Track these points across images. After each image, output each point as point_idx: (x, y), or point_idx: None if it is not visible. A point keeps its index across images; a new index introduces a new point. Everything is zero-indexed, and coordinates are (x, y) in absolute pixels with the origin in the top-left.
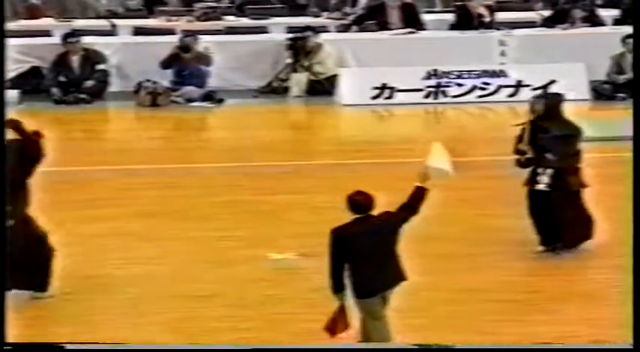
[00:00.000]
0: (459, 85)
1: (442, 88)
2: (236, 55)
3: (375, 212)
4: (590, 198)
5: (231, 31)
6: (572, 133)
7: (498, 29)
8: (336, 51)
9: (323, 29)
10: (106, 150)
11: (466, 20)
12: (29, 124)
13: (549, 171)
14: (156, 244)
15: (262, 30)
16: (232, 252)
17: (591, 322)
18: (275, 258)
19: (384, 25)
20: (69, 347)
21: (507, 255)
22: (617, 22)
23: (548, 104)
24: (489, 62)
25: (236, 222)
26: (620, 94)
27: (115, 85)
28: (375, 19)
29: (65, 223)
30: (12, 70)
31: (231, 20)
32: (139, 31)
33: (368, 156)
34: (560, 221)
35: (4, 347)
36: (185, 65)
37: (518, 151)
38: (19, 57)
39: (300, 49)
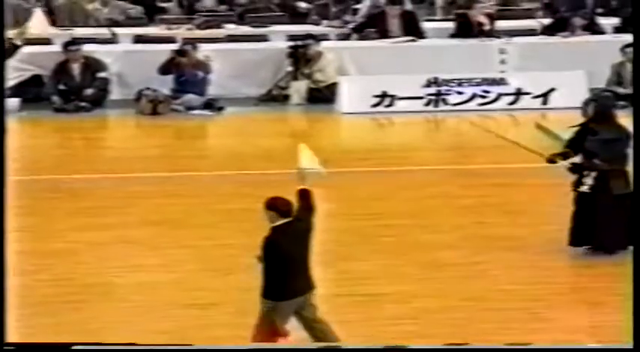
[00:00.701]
0: (460, 93)
1: (442, 96)
2: (236, 62)
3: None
4: None
5: (232, 39)
6: (620, 136)
7: (498, 37)
8: (336, 59)
9: (323, 37)
10: (106, 158)
11: (466, 28)
12: (30, 132)
13: (593, 173)
14: (157, 252)
15: (263, 38)
16: (233, 260)
17: (591, 330)
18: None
19: (384, 33)
20: (76, 347)
21: (505, 262)
22: (617, 30)
23: (599, 107)
24: (489, 70)
25: (236, 230)
26: (620, 102)
27: (115, 93)
28: (375, 27)
29: (66, 231)
30: (13, 78)
31: (231, 28)
32: (139, 40)
33: (368, 164)
34: (600, 224)
35: (5, 348)
36: (183, 71)
37: (563, 153)
38: (20, 65)
39: (301, 57)
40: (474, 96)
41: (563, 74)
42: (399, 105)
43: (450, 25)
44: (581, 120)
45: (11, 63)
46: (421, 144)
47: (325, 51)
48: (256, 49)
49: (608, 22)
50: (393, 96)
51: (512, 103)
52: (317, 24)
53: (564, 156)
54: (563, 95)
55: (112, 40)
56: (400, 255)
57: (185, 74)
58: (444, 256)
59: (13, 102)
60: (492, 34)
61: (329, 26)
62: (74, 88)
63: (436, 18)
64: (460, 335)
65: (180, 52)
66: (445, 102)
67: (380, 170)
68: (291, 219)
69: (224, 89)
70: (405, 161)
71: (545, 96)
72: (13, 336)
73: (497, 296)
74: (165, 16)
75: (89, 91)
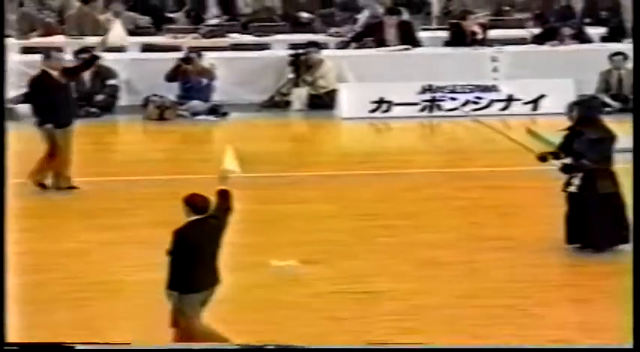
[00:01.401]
0: (453, 99)
1: (437, 102)
2: (240, 70)
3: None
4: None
5: (236, 47)
6: (605, 138)
7: (490, 46)
8: (336, 66)
9: (323, 46)
10: (115, 161)
11: (460, 37)
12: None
13: (580, 174)
14: (160, 253)
15: (265, 46)
16: (237, 259)
17: (582, 325)
18: (277, 264)
19: (381, 42)
20: (79, 347)
21: (499, 261)
22: (605, 39)
23: (584, 110)
24: (482, 77)
25: (240, 230)
26: (607, 108)
27: (124, 99)
28: (373, 36)
29: (78, 232)
30: (24, 86)
31: (235, 37)
32: (147, 48)
33: (366, 167)
34: (590, 223)
35: (5, 348)
36: (189, 78)
37: (553, 153)
38: (34, 72)
39: (302, 64)
40: (467, 103)
41: (553, 81)
42: (396, 110)
43: (445, 34)
44: (568, 124)
45: (24, 70)
46: (417, 148)
47: (325, 59)
48: (259, 57)
49: (595, 31)
50: (390, 102)
51: (503, 109)
52: (317, 33)
53: (555, 155)
54: (553, 102)
55: (121, 48)
56: (398, 254)
57: (191, 81)
58: (439, 255)
59: (24, 109)
60: (485, 43)
61: (329, 35)
62: (85, 95)
63: (431, 27)
64: (456, 331)
65: (186, 60)
66: (439, 108)
67: (378, 173)
68: (205, 216)
69: (228, 95)
70: (402, 164)
71: (535, 102)
72: (21, 332)
73: (491, 294)
74: (172, 26)
75: (99, 97)
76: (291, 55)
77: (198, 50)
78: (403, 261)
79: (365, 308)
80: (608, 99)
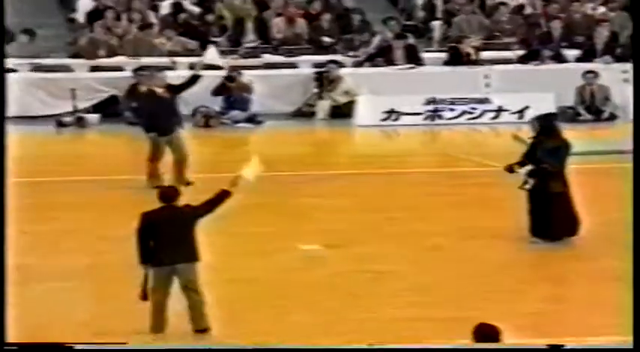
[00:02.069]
0: (452, 109)
1: (438, 112)
2: (273, 85)
3: (181, 203)
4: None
5: (269, 66)
6: (560, 146)
7: (483, 65)
8: (353, 82)
9: (342, 65)
10: (168, 163)
11: (457, 58)
12: (108, 142)
13: (535, 175)
14: (209, 238)
15: (294, 65)
16: (268, 244)
17: (556, 298)
18: (304, 248)
19: (390, 62)
20: (78, 347)
21: (485, 247)
22: (579, 60)
23: (542, 123)
24: (476, 91)
25: (270, 220)
26: (581, 117)
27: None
28: (383, 57)
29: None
30: (94, 98)
31: (268, 58)
32: (194, 67)
33: (378, 166)
34: (546, 217)
35: (5, 348)
36: (231, 93)
37: (520, 162)
38: (100, 87)
39: (324, 80)
40: (463, 113)
41: (536, 95)
42: (403, 119)
43: (444, 55)
44: (531, 134)
45: (92, 85)
46: (420, 151)
47: (344, 76)
48: (289, 75)
49: (571, 53)
50: (398, 112)
51: (494, 118)
52: (337, 54)
53: (521, 164)
54: (536, 112)
55: (173, 67)
56: (402, 240)
57: (233, 95)
58: (437, 241)
59: (94, 117)
60: (478, 62)
61: (347, 56)
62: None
63: (433, 49)
64: (454, 304)
65: (229, 78)
66: (440, 117)
67: (386, 172)
68: (172, 204)
69: (263, 106)
70: (407, 165)
71: (521, 112)
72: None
73: (480, 273)
74: (216, 48)
75: None
76: (316, 73)
77: (238, 69)
78: (405, 246)
79: (376, 285)
80: (582, 111)
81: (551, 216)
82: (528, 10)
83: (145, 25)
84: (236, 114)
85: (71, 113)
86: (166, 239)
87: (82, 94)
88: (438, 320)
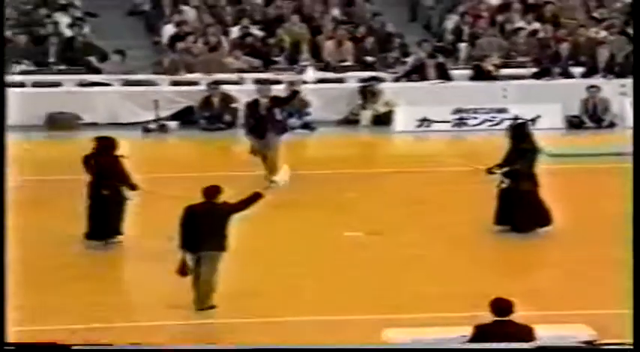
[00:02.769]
0: (475, 118)
1: (464, 120)
2: (324, 97)
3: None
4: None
5: (321, 81)
6: (530, 150)
7: (502, 80)
8: (391, 95)
9: (383, 80)
10: (239, 161)
11: (480, 74)
12: (186, 144)
13: (509, 175)
14: (268, 227)
15: (341, 80)
16: (318, 231)
17: (560, 278)
18: (349, 235)
19: (424, 78)
20: (76, 347)
21: (503, 237)
22: (583, 76)
23: (515, 131)
24: (496, 102)
25: (320, 211)
26: (585, 125)
27: (242, 118)
28: (417, 73)
29: None
30: (173, 108)
31: (320, 74)
32: (258, 82)
33: (413, 166)
34: (515, 211)
35: (4, 347)
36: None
37: (498, 165)
38: (178, 99)
39: (367, 93)
40: (485, 121)
41: (546, 106)
42: (434, 126)
43: (469, 72)
44: (507, 140)
45: (172, 97)
46: (450, 153)
47: (384, 89)
48: (337, 88)
49: (577, 70)
50: (430, 120)
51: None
52: (378, 71)
53: (500, 166)
54: (546, 120)
55: (240, 82)
56: (431, 229)
57: (292, 106)
58: (461, 230)
59: (173, 124)
60: (498, 78)
61: (387, 73)
62: (215, 115)
63: (459, 67)
64: (470, 282)
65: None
66: (466, 124)
67: (420, 170)
68: (209, 201)
69: (316, 115)
70: (438, 164)
71: (533, 120)
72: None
73: (497, 257)
74: (276, 66)
75: (225, 117)
76: (360, 87)
77: (294, 83)
78: (437, 234)
79: (410, 267)
80: (586, 119)
81: (520, 211)
82: (541, 34)
83: (216, 47)
84: (293, 121)
85: (154, 121)
86: (202, 229)
87: (164, 105)
88: (461, 296)
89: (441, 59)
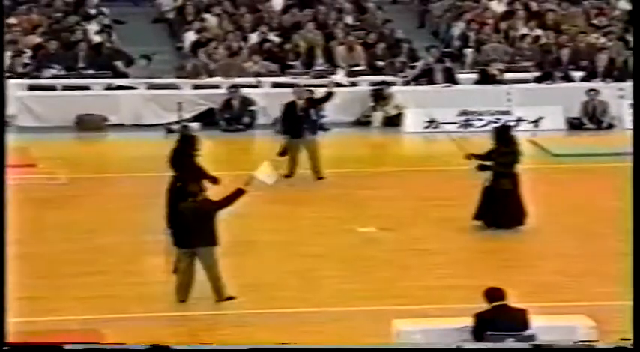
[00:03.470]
0: (481, 119)
1: (470, 122)
2: (337, 100)
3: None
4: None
5: (335, 84)
6: (510, 151)
7: (506, 84)
8: (401, 98)
9: (393, 84)
10: (253, 161)
11: (485, 78)
12: (207, 144)
13: (490, 174)
14: (285, 222)
15: (354, 84)
16: (332, 227)
17: (563, 271)
18: (362, 230)
19: (432, 81)
20: (68, 347)
21: (508, 230)
22: (583, 79)
23: (499, 134)
24: (500, 105)
25: (334, 207)
26: (585, 126)
27: (261, 120)
28: (426, 77)
29: None
30: (195, 110)
31: (334, 77)
32: (275, 85)
33: (422, 165)
34: (494, 209)
35: (4, 348)
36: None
37: (477, 155)
38: (200, 101)
39: (378, 96)
40: (490, 122)
41: (548, 108)
42: (442, 127)
43: (475, 76)
44: (491, 142)
45: (194, 99)
46: (456, 153)
47: (394, 92)
48: (350, 91)
49: (577, 74)
50: (438, 122)
51: (514, 127)
52: (389, 75)
53: (478, 157)
54: (548, 122)
55: (258, 85)
56: (440, 224)
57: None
58: (468, 225)
59: (195, 125)
60: (502, 82)
61: (397, 77)
62: (234, 117)
63: (465, 71)
64: (477, 275)
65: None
66: (472, 125)
67: (428, 169)
68: (194, 200)
69: (330, 117)
70: (445, 164)
71: (536, 122)
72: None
73: (501, 250)
74: (292, 71)
75: (244, 119)
76: (372, 90)
77: (309, 86)
78: (445, 228)
79: (420, 260)
80: (586, 121)
81: (500, 209)
82: (543, 40)
83: (236, 52)
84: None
85: (177, 122)
86: (190, 227)
87: (186, 107)
88: (468, 287)
89: (448, 64)
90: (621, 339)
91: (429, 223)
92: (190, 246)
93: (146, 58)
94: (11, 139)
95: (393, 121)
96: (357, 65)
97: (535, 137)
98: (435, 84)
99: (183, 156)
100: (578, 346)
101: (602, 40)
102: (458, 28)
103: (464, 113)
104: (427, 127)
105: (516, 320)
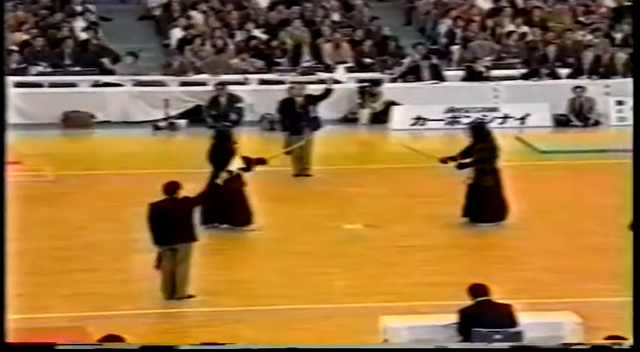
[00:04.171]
0: (467, 116)
1: (456, 119)
2: None
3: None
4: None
5: (321, 82)
6: (488, 148)
7: (492, 81)
8: (388, 94)
9: (380, 81)
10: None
11: (472, 75)
12: (195, 141)
13: (473, 170)
14: (274, 218)
15: (341, 81)
16: (319, 224)
17: (551, 268)
18: (348, 227)
19: (418, 78)
20: (59, 347)
21: (494, 228)
22: (569, 77)
23: (476, 131)
24: (487, 102)
25: (321, 204)
26: (572, 123)
27: (248, 116)
28: (413, 74)
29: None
30: (182, 107)
31: (321, 75)
32: (262, 82)
33: (409, 162)
34: (481, 204)
35: (4, 348)
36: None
37: (451, 157)
38: (187, 98)
39: (366, 93)
40: (476, 119)
41: (535, 105)
42: (429, 124)
43: (461, 73)
44: (470, 139)
45: (181, 97)
46: (443, 151)
47: (381, 89)
48: (337, 88)
49: (563, 71)
50: (424, 119)
51: (501, 124)
52: (376, 72)
53: (452, 159)
54: (535, 119)
55: (245, 82)
56: (427, 221)
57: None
58: (454, 222)
59: (182, 122)
60: (489, 78)
61: (384, 74)
62: (221, 114)
63: (452, 68)
64: (462, 271)
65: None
66: (458, 122)
67: (415, 166)
68: (172, 197)
69: (318, 113)
70: (432, 160)
71: (523, 119)
72: None
73: (488, 247)
74: (279, 67)
75: (231, 116)
76: (359, 87)
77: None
78: (432, 225)
79: (406, 257)
80: (572, 118)
81: (483, 205)
82: (530, 37)
83: (223, 49)
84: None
85: (164, 119)
86: (171, 224)
87: (173, 104)
88: (454, 284)
89: (435, 61)
90: (608, 338)
91: (416, 220)
92: (171, 243)
93: (133, 55)
94: None
95: (380, 118)
96: (344, 62)
97: (522, 134)
98: (422, 81)
99: (223, 151)
100: (560, 346)
101: (589, 37)
102: (444, 25)
103: (451, 110)
104: (414, 124)
105: (501, 316)
